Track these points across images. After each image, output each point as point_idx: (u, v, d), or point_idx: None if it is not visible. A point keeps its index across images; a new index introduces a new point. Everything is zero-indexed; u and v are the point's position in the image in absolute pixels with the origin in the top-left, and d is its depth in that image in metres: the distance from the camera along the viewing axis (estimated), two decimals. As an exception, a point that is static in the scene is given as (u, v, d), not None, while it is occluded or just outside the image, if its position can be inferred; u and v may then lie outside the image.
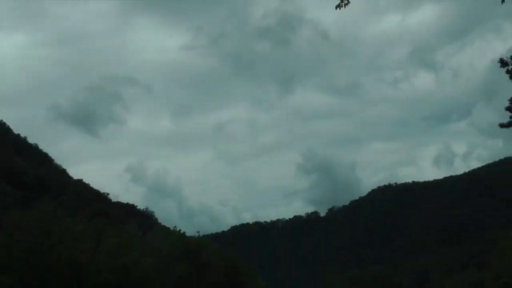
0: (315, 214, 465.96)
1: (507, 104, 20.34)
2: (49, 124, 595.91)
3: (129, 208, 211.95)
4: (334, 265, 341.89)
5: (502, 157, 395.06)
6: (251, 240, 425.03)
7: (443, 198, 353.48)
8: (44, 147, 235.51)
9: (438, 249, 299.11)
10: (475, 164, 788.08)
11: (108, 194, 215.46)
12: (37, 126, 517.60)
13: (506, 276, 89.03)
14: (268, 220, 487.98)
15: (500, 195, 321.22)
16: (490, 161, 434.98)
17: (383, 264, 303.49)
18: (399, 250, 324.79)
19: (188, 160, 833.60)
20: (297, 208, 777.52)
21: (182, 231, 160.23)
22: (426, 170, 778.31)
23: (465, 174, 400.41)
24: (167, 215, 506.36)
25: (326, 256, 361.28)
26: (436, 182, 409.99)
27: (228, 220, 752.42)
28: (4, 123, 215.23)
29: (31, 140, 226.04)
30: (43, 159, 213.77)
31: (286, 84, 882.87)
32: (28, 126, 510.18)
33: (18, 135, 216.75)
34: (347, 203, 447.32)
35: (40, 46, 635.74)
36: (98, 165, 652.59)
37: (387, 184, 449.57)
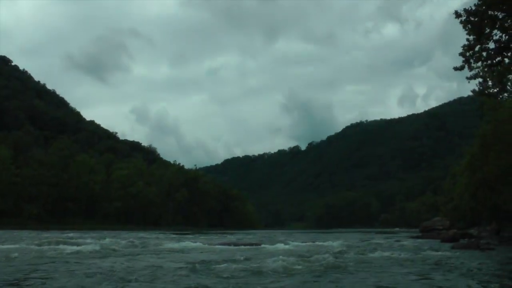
0: (296, 148, 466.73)
1: (460, 50, 20.99)
2: (64, 72, 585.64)
3: (135, 145, 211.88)
4: (313, 191, 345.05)
5: (456, 97, 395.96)
6: (241, 171, 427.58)
7: (406, 132, 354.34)
8: (60, 92, 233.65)
9: (402, 176, 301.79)
10: (433, 103, 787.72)
11: (116, 133, 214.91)
12: (54, 74, 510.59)
13: (456, 199, 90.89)
14: (256, 154, 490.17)
15: (454, 129, 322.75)
16: (446, 100, 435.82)
17: (355, 190, 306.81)
18: (368, 177, 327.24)
19: (185, 102, 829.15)
20: (280, 143, 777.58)
21: (181, 164, 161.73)
22: (392, 109, 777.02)
23: (425, 112, 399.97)
24: (168, 150, 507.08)
25: (306, 183, 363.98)
26: (400, 119, 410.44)
27: (221, 154, 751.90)
28: (26, 71, 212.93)
29: (49, 86, 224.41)
30: (60, 103, 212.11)
31: (271, 34, 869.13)
32: (46, 74, 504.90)
33: (38, 82, 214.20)
34: (324, 138, 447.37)
35: (54, 2, 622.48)
36: (107, 108, 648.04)
37: (359, 121, 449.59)
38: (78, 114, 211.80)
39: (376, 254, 17.91)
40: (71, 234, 40.60)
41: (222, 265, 12.55)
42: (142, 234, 51.01)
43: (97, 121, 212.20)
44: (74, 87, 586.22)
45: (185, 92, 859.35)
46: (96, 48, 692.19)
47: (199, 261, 13.89)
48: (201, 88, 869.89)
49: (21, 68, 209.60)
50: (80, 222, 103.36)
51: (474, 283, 9.72)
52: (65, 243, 22.49)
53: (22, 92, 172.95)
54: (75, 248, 19.67)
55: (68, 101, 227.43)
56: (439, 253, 18.77)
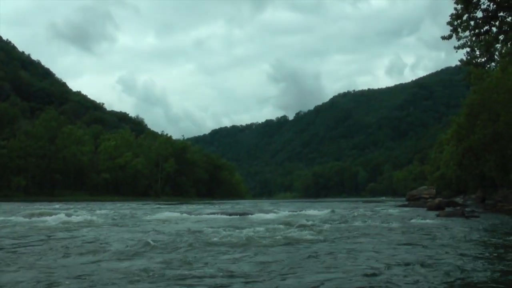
0: (284, 117, 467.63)
1: (448, 19, 20.86)
2: (49, 42, 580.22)
3: (122, 116, 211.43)
4: (301, 161, 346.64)
5: (443, 66, 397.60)
6: (229, 141, 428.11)
7: (393, 102, 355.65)
8: (45, 63, 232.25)
9: (389, 145, 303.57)
10: (421, 73, 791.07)
11: (103, 104, 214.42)
12: (39, 44, 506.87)
13: (443, 167, 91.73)
14: (244, 124, 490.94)
15: (441, 99, 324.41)
16: (433, 70, 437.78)
17: (342, 160, 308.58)
18: (356, 147, 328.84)
19: (173, 72, 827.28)
20: (268, 112, 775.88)
21: (169, 135, 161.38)
22: (380, 78, 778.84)
23: (412, 81, 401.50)
24: (155, 121, 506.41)
25: (294, 153, 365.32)
26: (388, 89, 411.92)
27: (208, 124, 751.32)
28: (10, 42, 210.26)
29: (34, 57, 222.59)
30: (46, 73, 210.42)
31: (258, 3, 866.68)
32: (30, 44, 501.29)
33: (23, 52, 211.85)
34: (312, 107, 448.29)
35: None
36: (93, 78, 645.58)
37: (346, 91, 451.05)
38: (64, 85, 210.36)
39: (362, 222, 18.03)
40: (58, 206, 40.55)
41: (209, 234, 12.57)
42: (130, 205, 51.11)
43: (84, 92, 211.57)
44: (59, 57, 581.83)
45: (172, 62, 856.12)
46: (81, 17, 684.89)
47: (184, 231, 13.91)
48: (188, 58, 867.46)
49: (4, 38, 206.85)
50: (69, 193, 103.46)
51: (455, 250, 9.79)
52: (51, 214, 22.39)
53: (6, 63, 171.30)
54: (61, 219, 19.62)
55: (54, 72, 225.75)
56: (424, 221, 18.93)
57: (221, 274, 6.95)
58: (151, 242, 10.41)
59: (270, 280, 6.52)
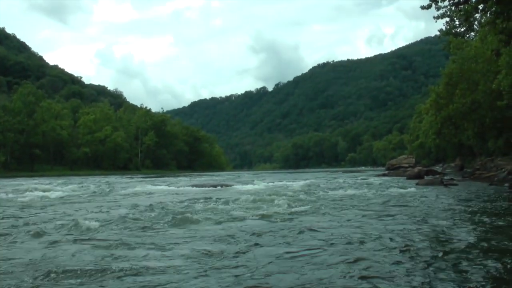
0: (263, 89, 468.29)
1: None
2: (24, 14, 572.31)
3: (101, 89, 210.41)
4: (280, 132, 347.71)
5: (423, 37, 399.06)
6: (208, 113, 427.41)
7: (373, 72, 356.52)
8: (21, 36, 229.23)
9: (368, 115, 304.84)
10: (401, 43, 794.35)
11: (81, 77, 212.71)
12: (13, 17, 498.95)
13: (422, 136, 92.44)
14: (223, 95, 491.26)
15: (420, 69, 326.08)
16: (413, 40, 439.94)
17: (322, 130, 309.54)
18: (335, 117, 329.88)
19: (150, 44, 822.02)
20: (247, 84, 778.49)
21: (148, 108, 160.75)
22: (360, 49, 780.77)
23: (392, 51, 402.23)
24: (134, 94, 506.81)
25: (273, 124, 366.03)
26: (367, 59, 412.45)
27: (188, 97, 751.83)
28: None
29: (8, 30, 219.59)
30: (22, 47, 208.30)
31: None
32: (4, 17, 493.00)
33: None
34: (291, 78, 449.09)
35: None
36: (70, 52, 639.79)
37: (325, 61, 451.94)
38: (40, 59, 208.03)
39: (341, 192, 18.09)
40: (37, 181, 40.29)
41: (187, 207, 12.53)
42: (110, 178, 50.93)
43: (61, 66, 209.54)
44: (34, 30, 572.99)
45: (149, 34, 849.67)
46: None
47: (163, 203, 13.86)
48: (166, 30, 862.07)
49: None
50: (49, 168, 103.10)
51: (432, 218, 9.85)
52: (31, 190, 22.23)
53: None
54: (40, 194, 19.48)
55: (30, 46, 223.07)
56: (403, 190, 19.05)
57: (196, 251, 6.88)
58: (121, 217, 10.33)
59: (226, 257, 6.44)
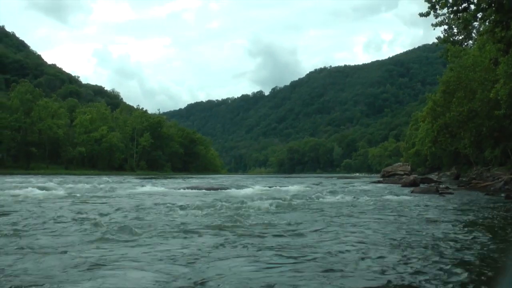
0: (260, 93, 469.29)
1: None
2: (23, 13, 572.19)
3: (98, 89, 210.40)
4: (276, 136, 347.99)
5: (421, 44, 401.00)
6: (205, 116, 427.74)
7: (370, 79, 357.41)
8: (20, 34, 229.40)
9: (365, 122, 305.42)
10: (398, 50, 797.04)
11: (78, 77, 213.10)
12: (12, 16, 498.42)
13: (418, 144, 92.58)
14: (219, 98, 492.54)
15: (417, 76, 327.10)
16: (411, 47, 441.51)
17: (318, 135, 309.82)
18: (331, 123, 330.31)
19: (148, 45, 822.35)
20: (244, 87, 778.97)
21: (144, 109, 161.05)
22: (357, 55, 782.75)
23: (389, 58, 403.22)
24: (131, 95, 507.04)
25: (269, 128, 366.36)
26: (364, 65, 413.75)
27: (184, 98, 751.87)
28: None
29: (8, 29, 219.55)
30: (20, 45, 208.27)
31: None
32: (4, 15, 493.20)
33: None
34: (288, 83, 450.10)
35: None
36: (68, 51, 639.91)
37: (323, 67, 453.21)
38: (39, 57, 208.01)
39: (335, 198, 17.99)
40: (33, 179, 40.21)
41: (182, 209, 12.44)
42: (105, 178, 50.80)
43: (59, 65, 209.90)
44: (33, 28, 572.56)
45: (147, 35, 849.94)
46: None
47: (159, 205, 13.78)
48: (163, 32, 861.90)
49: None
50: (44, 167, 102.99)
51: (425, 226, 9.77)
52: (26, 188, 22.15)
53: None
54: (36, 193, 19.42)
55: (28, 44, 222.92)
56: (398, 197, 18.97)
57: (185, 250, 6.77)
58: (111, 219, 10.21)
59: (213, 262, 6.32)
